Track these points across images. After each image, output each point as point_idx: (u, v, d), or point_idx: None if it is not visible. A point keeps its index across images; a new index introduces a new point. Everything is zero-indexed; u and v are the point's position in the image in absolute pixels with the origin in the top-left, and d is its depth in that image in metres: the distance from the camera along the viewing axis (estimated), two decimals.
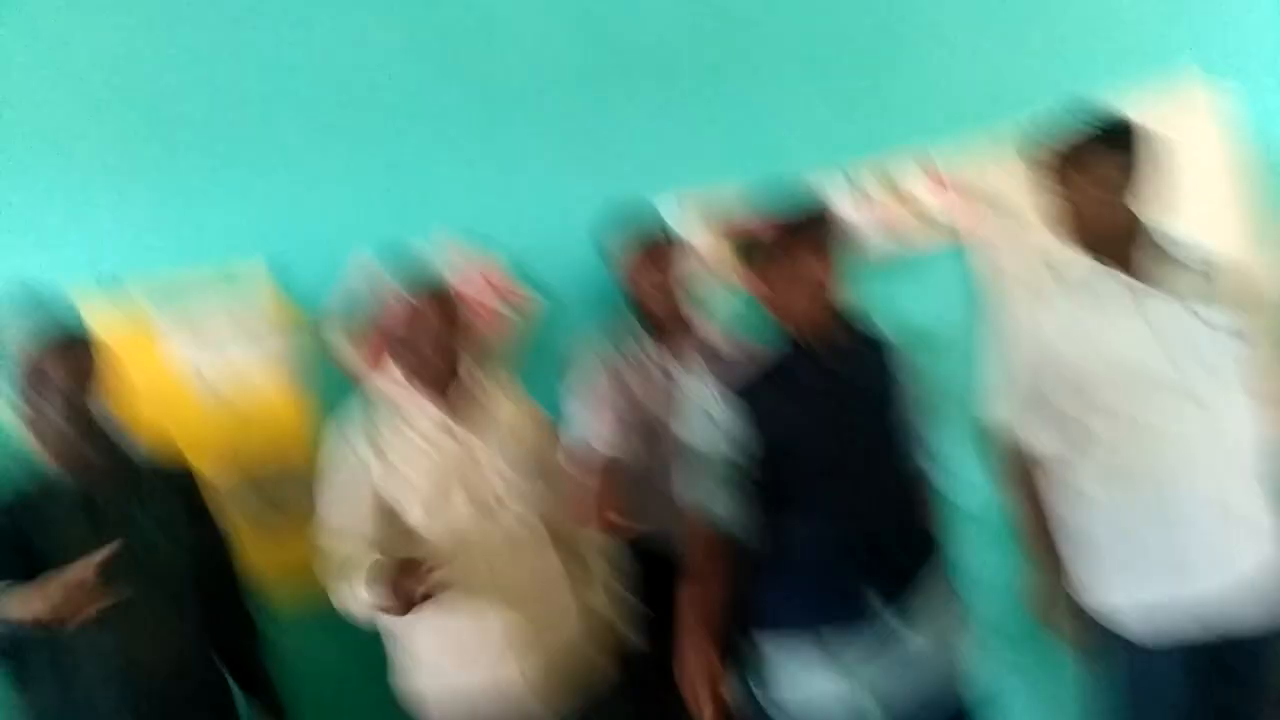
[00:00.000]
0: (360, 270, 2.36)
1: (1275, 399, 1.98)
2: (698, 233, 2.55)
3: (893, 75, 2.71)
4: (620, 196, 2.46)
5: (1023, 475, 2.14)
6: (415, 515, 1.97)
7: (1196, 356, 1.91)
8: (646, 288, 2.38)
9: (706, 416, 1.98)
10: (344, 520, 1.98)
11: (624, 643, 2.13)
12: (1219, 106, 2.79)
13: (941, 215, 2.66)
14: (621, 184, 2.51)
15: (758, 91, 2.65)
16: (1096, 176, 1.93)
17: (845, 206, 2.53)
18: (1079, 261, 1.99)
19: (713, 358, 2.31)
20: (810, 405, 1.95)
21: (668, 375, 2.37)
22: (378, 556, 1.87)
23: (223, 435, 2.25)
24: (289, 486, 2.32)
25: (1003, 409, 2.11)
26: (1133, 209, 1.96)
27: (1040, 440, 2.07)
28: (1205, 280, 1.96)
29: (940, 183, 2.67)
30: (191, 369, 2.31)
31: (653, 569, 2.27)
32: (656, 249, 2.38)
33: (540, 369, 2.45)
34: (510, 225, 2.50)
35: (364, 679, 2.02)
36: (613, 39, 2.58)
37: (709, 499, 1.98)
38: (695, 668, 1.92)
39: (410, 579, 1.78)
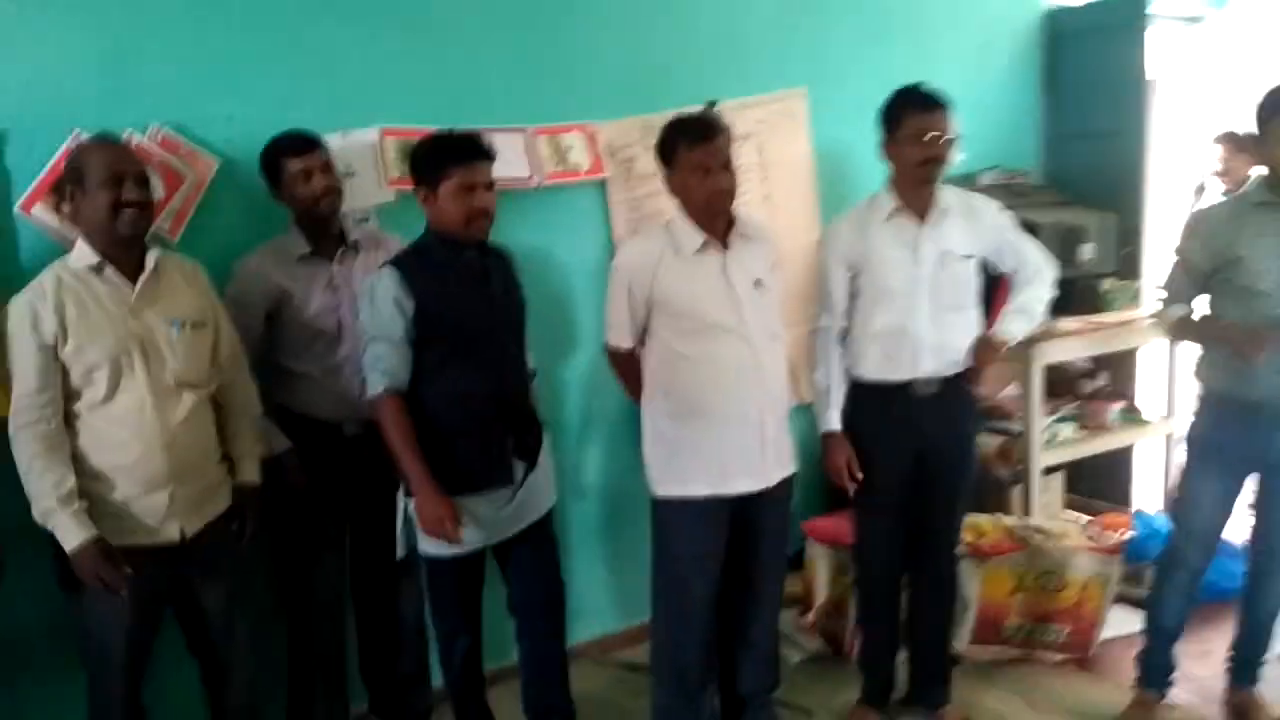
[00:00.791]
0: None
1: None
2: (384, 150, 2.83)
3: (574, 60, 3.16)
4: (325, 120, 2.69)
5: (625, 372, 2.72)
6: (93, 390, 2.12)
7: (747, 306, 2.54)
8: (304, 191, 2.56)
9: (376, 295, 2.36)
10: (26, 387, 2.10)
11: (247, 480, 2.43)
12: (806, 116, 3.54)
13: (588, 168, 3.15)
14: (327, 108, 2.74)
15: (466, 52, 2.97)
16: (694, 161, 2.48)
17: (513, 147, 2.93)
18: (684, 227, 2.55)
19: (373, 247, 2.69)
20: (458, 283, 2.42)
21: (319, 264, 2.62)
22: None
23: None
24: None
25: (610, 320, 2.65)
26: (728, 188, 2.54)
27: (635, 348, 2.65)
28: (761, 248, 2.63)
29: (594, 143, 3.15)
30: None
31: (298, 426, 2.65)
32: (313, 155, 2.58)
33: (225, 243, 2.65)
34: (223, 132, 2.64)
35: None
36: None
37: (386, 368, 2.36)
38: (429, 510, 2.36)
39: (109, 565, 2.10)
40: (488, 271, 2.51)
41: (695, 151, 2.48)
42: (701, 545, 2.61)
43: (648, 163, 3.10)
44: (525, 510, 2.55)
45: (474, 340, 2.43)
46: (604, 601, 3.44)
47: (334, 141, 2.68)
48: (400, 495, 2.46)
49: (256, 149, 2.59)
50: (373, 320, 2.38)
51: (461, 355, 2.41)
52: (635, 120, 3.19)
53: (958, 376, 2.75)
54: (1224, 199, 2.87)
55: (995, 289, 2.86)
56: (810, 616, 3.38)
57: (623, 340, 2.64)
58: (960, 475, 2.84)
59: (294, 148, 2.56)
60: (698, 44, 3.36)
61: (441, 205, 2.38)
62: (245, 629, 2.45)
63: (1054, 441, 3.67)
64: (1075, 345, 3.64)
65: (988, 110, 4.00)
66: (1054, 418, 3.72)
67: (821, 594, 3.36)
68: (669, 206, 2.65)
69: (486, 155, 2.40)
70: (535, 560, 2.63)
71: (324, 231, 2.63)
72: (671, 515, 2.62)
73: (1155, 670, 2.99)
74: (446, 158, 2.36)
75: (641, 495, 2.78)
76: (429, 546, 2.45)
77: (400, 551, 2.51)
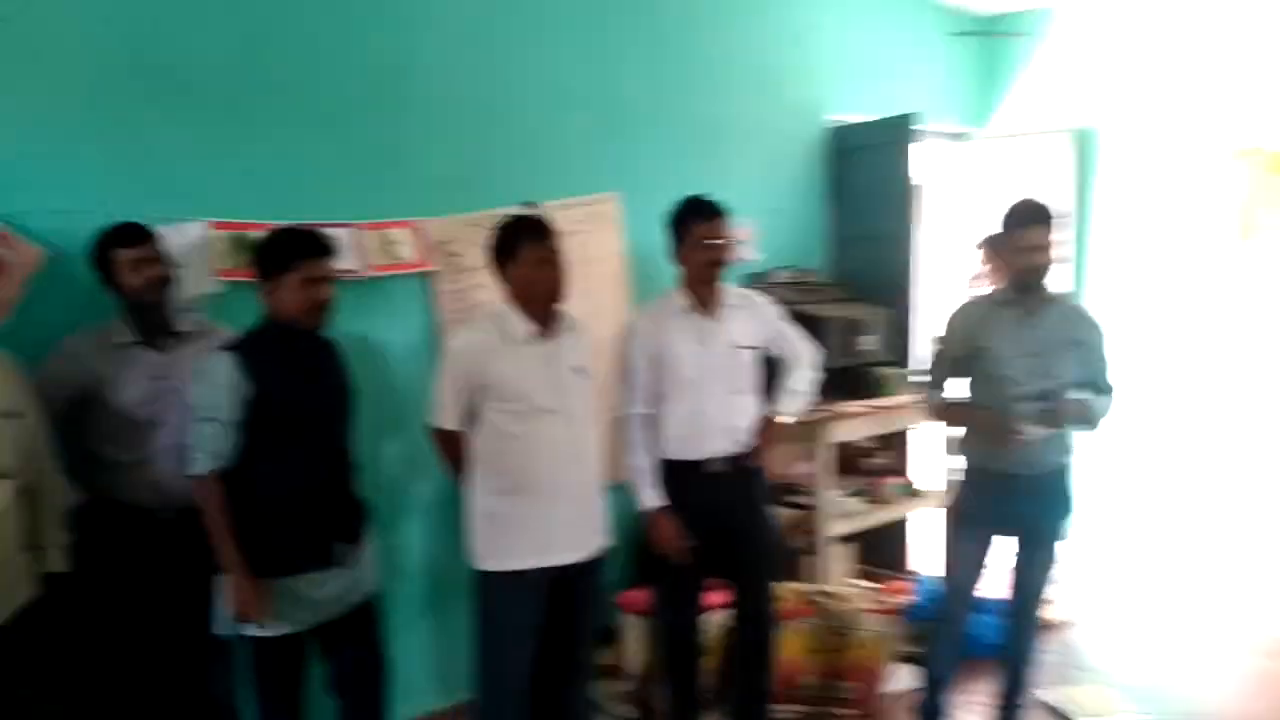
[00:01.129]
0: None
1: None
2: (213, 242, 2.91)
3: (401, 158, 3.34)
4: (153, 211, 2.74)
5: (450, 453, 2.86)
6: None
7: (570, 391, 2.77)
8: (135, 281, 2.61)
9: (211, 376, 2.44)
10: None
11: (54, 568, 2.41)
12: (619, 218, 3.84)
13: (413, 259, 3.32)
14: (156, 200, 2.81)
15: (295, 148, 3.10)
16: (536, 256, 2.72)
17: (342, 240, 3.06)
18: (515, 317, 2.75)
19: (200, 337, 2.74)
20: (292, 370, 2.53)
21: (141, 354, 2.65)
22: None
23: None
24: None
25: (438, 403, 2.80)
26: (564, 281, 2.76)
27: (462, 430, 2.80)
28: (581, 338, 2.86)
29: (421, 238, 3.33)
30: None
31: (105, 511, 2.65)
32: (145, 246, 2.63)
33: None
34: (50, 222, 2.67)
35: None
36: (170, 71, 2.88)
37: (213, 449, 2.44)
38: (240, 593, 2.43)
39: None
40: (320, 361, 2.64)
41: (538, 247, 2.71)
42: (524, 617, 2.77)
43: (472, 257, 3.31)
44: (348, 592, 2.63)
45: (304, 426, 2.54)
46: (424, 680, 3.50)
47: (162, 233, 2.73)
48: (220, 576, 2.51)
49: (84, 239, 2.62)
50: (205, 401, 2.45)
51: (291, 440, 2.51)
52: (460, 217, 3.39)
53: (745, 454, 3.06)
54: (979, 296, 3.31)
55: (771, 374, 3.21)
56: (623, 686, 3.56)
57: (449, 422, 2.79)
58: (760, 544, 3.13)
59: (126, 239, 2.61)
60: (519, 148, 3.61)
61: (283, 296, 2.49)
62: None
63: (842, 514, 4.03)
64: (858, 426, 4.05)
65: (781, 215, 4.45)
66: (842, 492, 4.09)
67: (634, 664, 3.55)
68: (491, 297, 2.86)
69: (329, 251, 2.55)
70: (358, 640, 2.71)
71: (152, 321, 2.67)
72: (496, 588, 2.77)
73: (931, 717, 3.32)
74: (292, 252, 2.49)
75: (460, 573, 2.92)
76: (250, 627, 2.51)
77: (220, 630, 2.55)
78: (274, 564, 2.48)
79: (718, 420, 3.00)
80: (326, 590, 2.57)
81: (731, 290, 3.10)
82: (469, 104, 3.50)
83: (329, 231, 2.74)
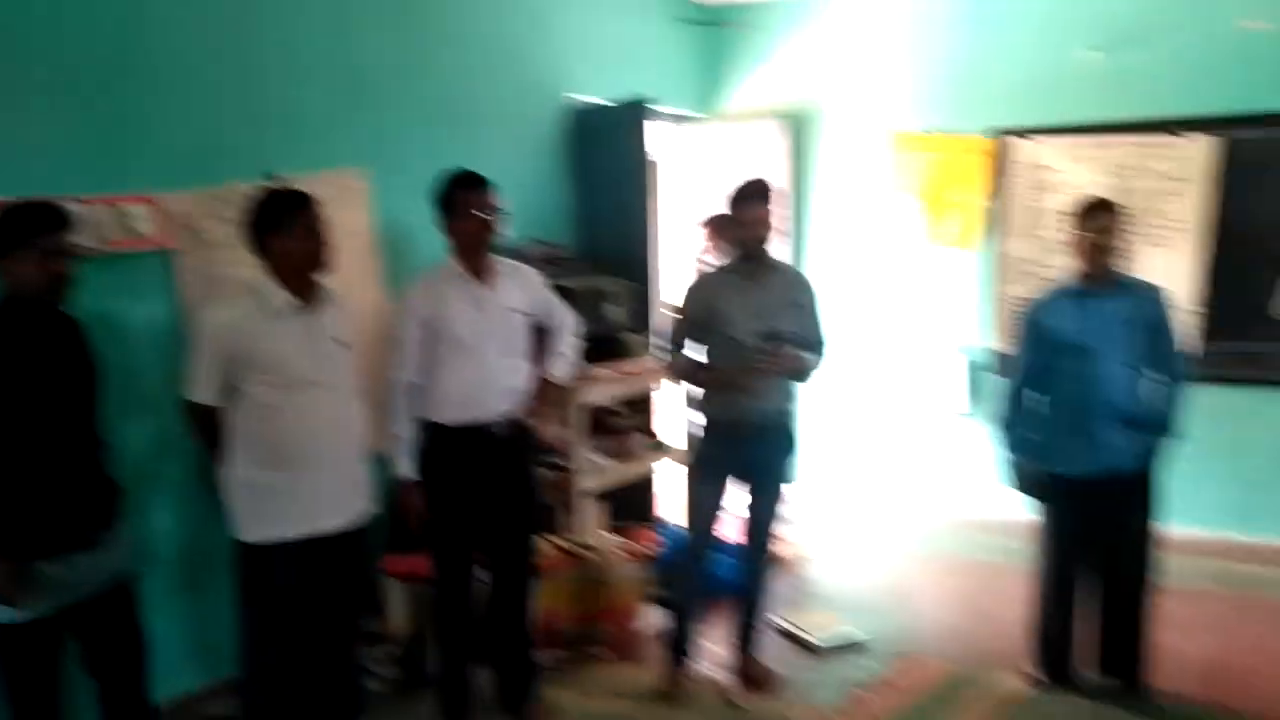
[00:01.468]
0: None
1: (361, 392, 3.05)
2: None
3: (136, 129, 3.22)
4: None
5: (206, 429, 2.85)
6: None
7: (331, 362, 2.85)
8: None
9: None
10: None
11: None
12: (367, 193, 3.89)
13: (153, 234, 3.24)
14: None
15: (20, 119, 2.93)
16: (300, 227, 2.77)
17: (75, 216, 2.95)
18: (274, 289, 2.78)
19: None
20: (31, 346, 2.46)
21: None
22: None
23: None
24: None
25: (193, 378, 2.79)
26: (321, 251, 2.81)
27: (218, 404, 2.80)
28: (338, 310, 2.93)
29: (160, 213, 3.24)
30: None
31: None
32: None
33: None
34: None
35: None
36: None
37: None
38: None
39: None
40: (63, 339, 2.56)
41: (302, 217, 2.76)
42: (289, 586, 2.82)
43: (215, 232, 3.27)
44: (103, 573, 2.59)
45: (49, 406, 2.47)
46: (184, 658, 3.42)
47: None
48: None
49: None
50: None
51: (36, 421, 2.44)
52: (201, 192, 3.32)
53: (519, 416, 3.24)
54: (711, 269, 3.65)
55: (538, 340, 3.40)
56: (390, 649, 3.65)
57: (204, 396, 2.79)
58: (526, 502, 3.32)
59: None
60: (260, 120, 3.57)
61: (20, 272, 2.41)
62: None
63: (594, 471, 4.29)
64: (606, 389, 4.32)
65: (529, 190, 4.62)
66: (593, 451, 4.35)
67: (400, 626, 3.65)
68: (238, 273, 2.86)
69: (67, 223, 2.48)
70: (115, 621, 2.66)
71: None
72: (259, 559, 2.80)
73: (679, 648, 3.65)
74: (28, 225, 2.41)
75: (216, 550, 2.92)
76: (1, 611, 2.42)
77: None
78: (23, 547, 2.40)
79: (495, 383, 3.16)
80: (79, 572, 2.51)
81: (501, 259, 3.26)
82: (207, 72, 3.41)
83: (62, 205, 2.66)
